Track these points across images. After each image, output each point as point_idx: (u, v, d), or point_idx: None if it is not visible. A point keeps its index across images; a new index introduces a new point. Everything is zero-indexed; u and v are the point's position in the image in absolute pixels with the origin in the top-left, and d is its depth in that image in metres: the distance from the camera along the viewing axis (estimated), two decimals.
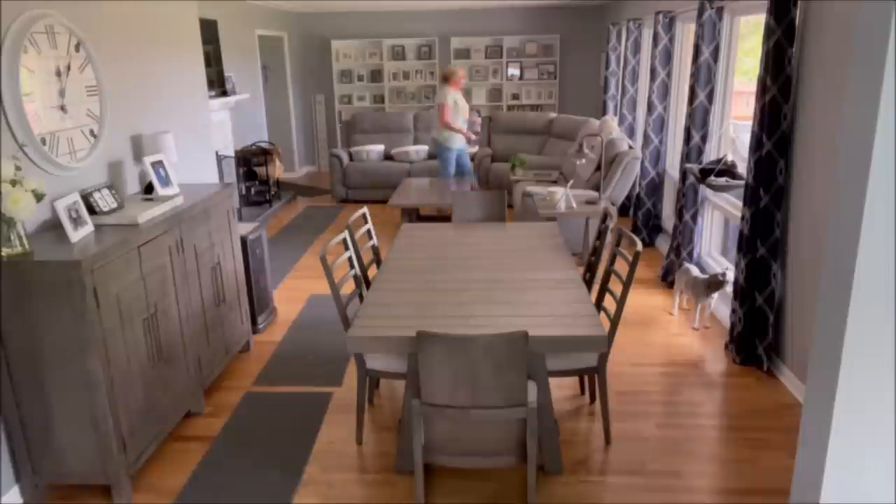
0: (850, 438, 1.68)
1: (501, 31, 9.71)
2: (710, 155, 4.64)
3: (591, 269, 3.41)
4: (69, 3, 2.97)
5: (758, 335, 3.68)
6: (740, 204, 3.89)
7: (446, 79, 6.53)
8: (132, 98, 3.51)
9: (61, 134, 2.86)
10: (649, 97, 5.79)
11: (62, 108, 2.88)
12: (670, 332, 4.20)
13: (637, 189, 6.12)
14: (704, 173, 4.19)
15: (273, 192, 7.81)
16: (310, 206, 8.02)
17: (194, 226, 3.30)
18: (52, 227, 2.79)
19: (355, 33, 9.79)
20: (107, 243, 2.57)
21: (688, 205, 4.72)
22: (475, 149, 7.84)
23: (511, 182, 7.02)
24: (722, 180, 4.02)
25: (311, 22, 9.82)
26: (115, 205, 3.00)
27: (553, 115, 8.33)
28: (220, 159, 6.18)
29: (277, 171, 7.83)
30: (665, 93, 5.71)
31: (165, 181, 3.33)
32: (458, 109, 6.57)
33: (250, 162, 7.70)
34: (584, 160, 5.54)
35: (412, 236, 3.84)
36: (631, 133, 7.06)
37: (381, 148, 8.32)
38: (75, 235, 2.63)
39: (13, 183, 2.36)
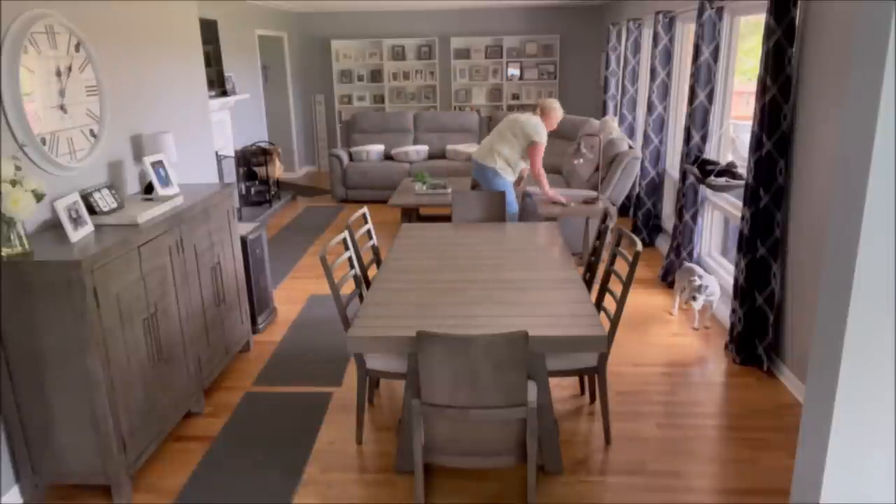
0: (850, 438, 1.68)
1: (501, 31, 9.71)
2: (710, 155, 4.64)
3: (591, 269, 3.41)
4: (69, 3, 2.97)
5: (758, 335, 3.68)
6: (740, 204, 3.89)
7: (543, 112, 4.96)
8: (132, 98, 3.51)
9: (61, 134, 2.86)
10: (649, 97, 5.79)
11: (62, 108, 2.88)
12: (670, 332, 4.20)
13: (637, 189, 6.12)
14: (704, 173, 4.19)
15: (273, 192, 7.81)
16: (310, 206, 8.01)
17: (194, 226, 3.29)
18: (52, 227, 2.79)
19: (355, 33, 9.79)
20: (107, 243, 2.57)
21: (688, 205, 4.72)
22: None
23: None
24: (722, 180, 4.02)
25: (311, 22, 9.82)
26: (115, 205, 2.99)
27: None
28: (220, 159, 6.18)
29: (277, 171, 7.83)
30: (665, 93, 5.71)
31: (165, 181, 3.33)
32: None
33: (250, 162, 7.70)
34: (581, 160, 5.53)
35: (412, 236, 3.84)
36: (631, 133, 7.06)
37: (381, 148, 8.32)
38: (75, 235, 2.62)
39: (13, 183, 2.36)
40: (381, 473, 2.85)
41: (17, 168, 2.41)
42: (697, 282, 4.05)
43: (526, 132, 4.88)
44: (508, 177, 5.04)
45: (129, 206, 3.08)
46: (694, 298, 4.04)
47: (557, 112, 5.00)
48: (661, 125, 5.80)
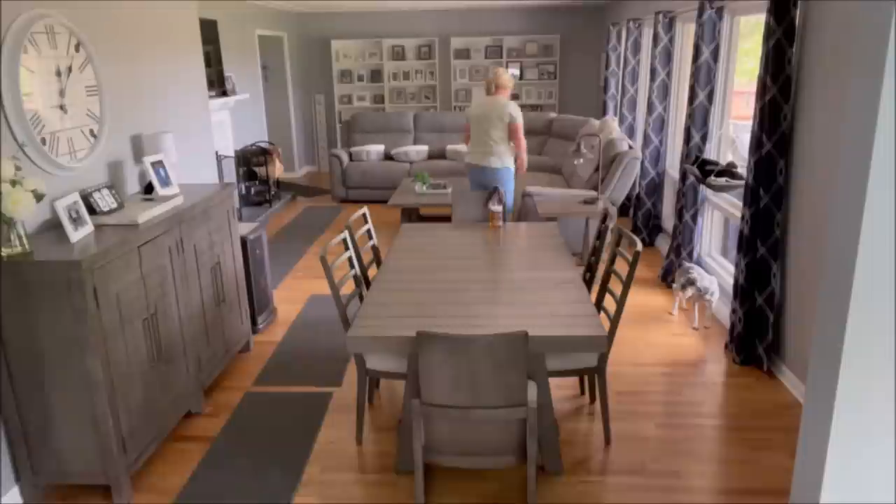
0: (850, 438, 1.68)
1: (501, 31, 9.71)
2: (710, 155, 4.64)
3: (591, 269, 3.41)
4: (69, 3, 2.97)
5: (758, 335, 3.68)
6: (740, 204, 3.89)
7: (501, 88, 4.97)
8: (132, 98, 3.51)
9: (61, 134, 2.86)
10: (649, 97, 5.79)
11: (62, 107, 2.88)
12: (670, 332, 4.20)
13: (637, 189, 6.12)
14: (704, 173, 4.18)
15: (273, 192, 7.81)
16: (310, 206, 8.01)
17: (194, 226, 3.29)
18: (52, 227, 2.79)
19: (355, 33, 9.79)
20: (107, 243, 2.57)
21: (688, 205, 4.72)
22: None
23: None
24: (722, 180, 4.02)
25: (311, 22, 9.82)
26: (115, 205, 2.99)
27: (553, 115, 8.33)
28: (220, 159, 6.17)
29: (277, 171, 7.83)
30: (665, 93, 5.71)
31: (165, 181, 3.33)
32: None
33: (250, 162, 7.69)
34: (581, 160, 5.53)
35: (412, 236, 3.84)
36: (631, 133, 7.06)
37: (381, 148, 8.32)
38: (75, 235, 2.62)
39: (13, 183, 2.36)
40: (381, 473, 2.85)
41: (17, 168, 2.41)
42: (693, 274, 4.08)
43: (510, 112, 4.84)
44: (511, 165, 5.01)
45: (129, 206, 3.08)
46: (684, 288, 4.06)
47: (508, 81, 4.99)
48: (661, 125, 5.80)
